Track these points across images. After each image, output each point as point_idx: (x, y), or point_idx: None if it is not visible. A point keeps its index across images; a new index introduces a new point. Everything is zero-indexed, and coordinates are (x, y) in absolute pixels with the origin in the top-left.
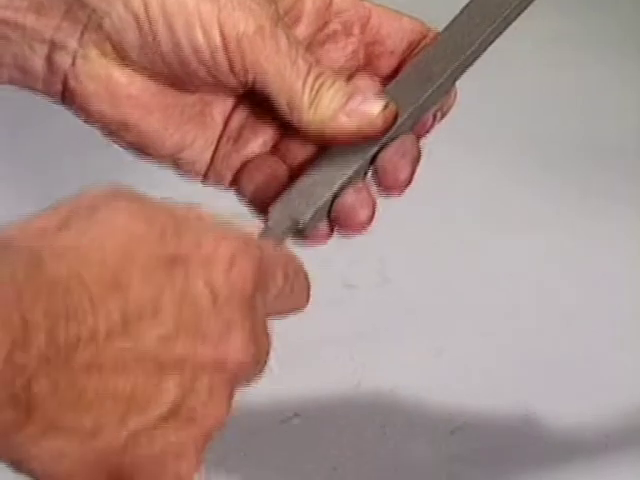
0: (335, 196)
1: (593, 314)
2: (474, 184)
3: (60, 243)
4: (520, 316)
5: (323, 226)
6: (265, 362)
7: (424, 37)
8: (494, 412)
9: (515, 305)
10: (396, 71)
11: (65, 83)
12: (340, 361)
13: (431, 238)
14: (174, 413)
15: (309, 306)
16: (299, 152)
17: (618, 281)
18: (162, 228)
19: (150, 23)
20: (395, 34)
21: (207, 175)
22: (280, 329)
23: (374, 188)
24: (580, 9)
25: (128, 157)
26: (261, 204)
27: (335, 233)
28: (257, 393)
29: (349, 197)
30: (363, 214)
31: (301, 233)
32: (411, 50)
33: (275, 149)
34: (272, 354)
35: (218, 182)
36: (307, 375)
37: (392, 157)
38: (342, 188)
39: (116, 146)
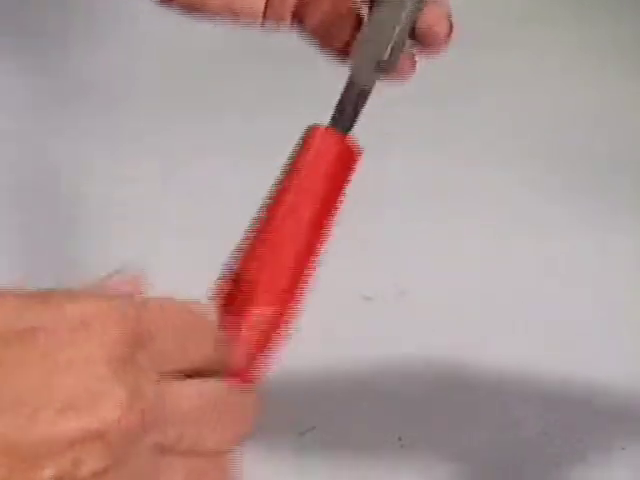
0: (407, 26)
1: (619, 333)
2: (491, 198)
3: None
4: (541, 328)
5: (406, 59)
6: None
7: None
8: (516, 428)
9: (534, 318)
10: None
11: None
12: (357, 373)
13: (448, 251)
14: None
15: (328, 317)
16: None
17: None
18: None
19: None
20: None
21: (265, 16)
22: (298, 339)
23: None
24: (605, 21)
25: None
26: (327, 35)
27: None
28: (274, 406)
29: (427, 17)
30: (443, 28)
31: (386, 71)
32: None
33: None
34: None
35: (279, 21)
36: (324, 387)
37: None
38: (410, 17)
39: None
